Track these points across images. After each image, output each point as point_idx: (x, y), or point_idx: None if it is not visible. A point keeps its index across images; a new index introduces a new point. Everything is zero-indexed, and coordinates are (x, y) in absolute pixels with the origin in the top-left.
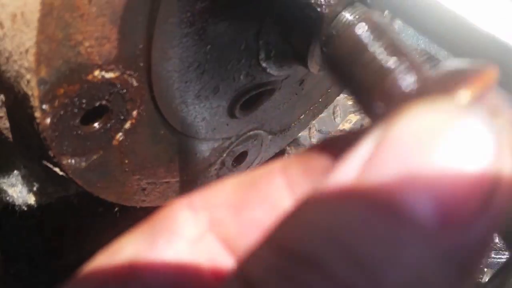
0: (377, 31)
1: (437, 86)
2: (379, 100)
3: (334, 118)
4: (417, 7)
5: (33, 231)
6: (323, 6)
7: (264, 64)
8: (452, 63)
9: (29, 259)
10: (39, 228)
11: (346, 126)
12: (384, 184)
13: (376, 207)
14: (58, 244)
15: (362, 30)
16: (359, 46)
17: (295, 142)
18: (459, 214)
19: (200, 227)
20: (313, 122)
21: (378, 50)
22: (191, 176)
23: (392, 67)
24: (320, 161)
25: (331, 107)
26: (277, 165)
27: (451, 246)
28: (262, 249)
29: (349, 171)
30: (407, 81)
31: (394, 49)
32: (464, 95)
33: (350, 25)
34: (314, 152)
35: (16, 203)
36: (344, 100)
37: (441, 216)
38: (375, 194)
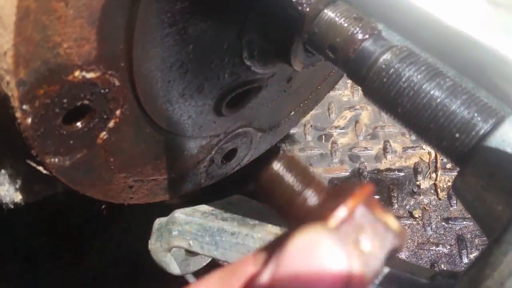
0: (289, 166)
1: (326, 207)
2: (292, 216)
3: (329, 115)
4: (393, 8)
5: (29, 231)
6: (304, 5)
7: (248, 63)
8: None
9: (25, 258)
10: (34, 228)
11: (341, 122)
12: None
13: None
14: (53, 243)
15: (277, 166)
16: (278, 177)
17: (290, 139)
18: None
19: None
20: (308, 118)
21: (290, 180)
22: (179, 174)
23: (301, 192)
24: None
25: (326, 103)
26: (249, 256)
27: None
28: None
29: (266, 275)
30: (310, 202)
31: (303, 177)
32: (332, 221)
33: (268, 164)
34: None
35: (3, 201)
36: (339, 97)
37: None
38: None
